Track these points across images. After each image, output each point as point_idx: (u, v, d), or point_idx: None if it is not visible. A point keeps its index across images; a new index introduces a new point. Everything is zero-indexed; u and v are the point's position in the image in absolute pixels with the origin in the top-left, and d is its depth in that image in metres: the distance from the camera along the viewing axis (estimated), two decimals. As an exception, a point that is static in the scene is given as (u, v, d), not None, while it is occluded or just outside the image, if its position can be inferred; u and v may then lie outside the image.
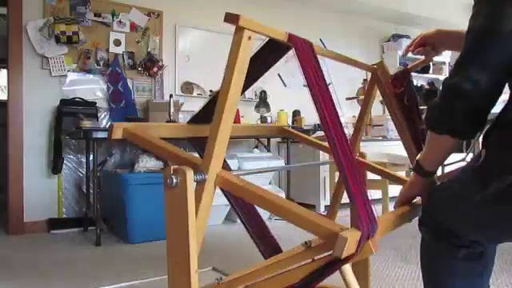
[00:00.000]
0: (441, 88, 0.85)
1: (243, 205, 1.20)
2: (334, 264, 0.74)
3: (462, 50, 0.83)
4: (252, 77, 0.99)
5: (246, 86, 0.94)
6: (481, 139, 0.93)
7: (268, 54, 1.00)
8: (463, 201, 0.87)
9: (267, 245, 1.22)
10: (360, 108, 1.47)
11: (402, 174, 3.33)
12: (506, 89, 0.87)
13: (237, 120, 3.77)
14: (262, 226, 1.23)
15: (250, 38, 0.82)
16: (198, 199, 0.76)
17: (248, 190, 0.78)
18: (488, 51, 0.79)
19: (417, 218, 1.02)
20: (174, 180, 0.73)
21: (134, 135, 0.96)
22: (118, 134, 0.97)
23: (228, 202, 1.18)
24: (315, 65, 0.91)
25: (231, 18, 0.80)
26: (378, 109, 5.03)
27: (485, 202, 0.82)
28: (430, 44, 1.24)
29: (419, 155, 0.98)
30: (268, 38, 0.92)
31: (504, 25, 0.77)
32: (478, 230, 0.89)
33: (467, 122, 0.83)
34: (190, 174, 0.73)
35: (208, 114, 1.11)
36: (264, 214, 3.50)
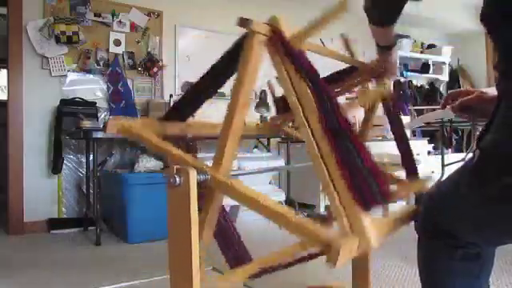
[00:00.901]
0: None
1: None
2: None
3: None
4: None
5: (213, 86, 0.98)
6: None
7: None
8: (461, 201, 0.87)
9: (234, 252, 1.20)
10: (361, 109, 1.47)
11: (402, 174, 3.33)
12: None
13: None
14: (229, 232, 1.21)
15: (261, 43, 0.83)
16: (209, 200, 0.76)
17: (244, 194, 0.76)
18: None
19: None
20: (177, 180, 0.74)
21: (129, 133, 0.96)
22: (113, 130, 0.97)
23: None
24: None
25: (244, 23, 0.81)
26: (378, 109, 5.02)
27: (482, 202, 0.81)
28: (468, 111, 1.10)
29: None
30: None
31: None
32: (477, 230, 0.89)
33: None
34: (193, 174, 0.73)
35: (183, 109, 1.10)
36: (264, 213, 3.51)
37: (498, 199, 0.79)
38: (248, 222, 3.35)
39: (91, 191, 3.09)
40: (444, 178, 1.00)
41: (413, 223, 1.05)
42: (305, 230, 0.70)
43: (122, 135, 0.99)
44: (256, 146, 4.03)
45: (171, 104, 3.28)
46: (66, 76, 3.32)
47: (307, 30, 0.89)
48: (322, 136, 0.78)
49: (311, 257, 0.87)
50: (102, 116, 3.43)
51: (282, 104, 1.38)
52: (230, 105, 0.83)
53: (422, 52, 5.58)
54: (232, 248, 1.19)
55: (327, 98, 0.81)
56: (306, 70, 0.83)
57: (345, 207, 0.75)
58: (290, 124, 1.48)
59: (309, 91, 0.81)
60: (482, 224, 0.86)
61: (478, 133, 3.34)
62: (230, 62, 0.97)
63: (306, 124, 0.80)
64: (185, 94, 1.11)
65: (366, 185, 0.75)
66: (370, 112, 1.35)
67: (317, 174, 0.78)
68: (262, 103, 4.01)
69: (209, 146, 2.40)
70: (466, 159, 0.92)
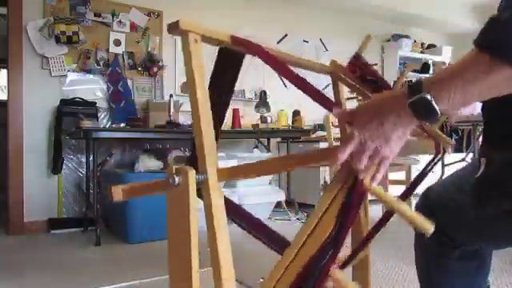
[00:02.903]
0: None
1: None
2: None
3: None
4: (222, 92, 0.91)
5: (221, 107, 0.89)
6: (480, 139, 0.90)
7: (225, 65, 0.92)
8: (460, 210, 0.86)
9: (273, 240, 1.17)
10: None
11: (401, 174, 3.34)
12: None
13: (236, 121, 3.78)
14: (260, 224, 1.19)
15: (196, 40, 0.80)
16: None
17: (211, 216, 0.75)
18: None
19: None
20: (176, 179, 0.73)
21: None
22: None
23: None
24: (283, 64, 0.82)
25: (173, 27, 0.78)
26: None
27: (482, 216, 0.81)
28: None
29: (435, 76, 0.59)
30: (218, 48, 0.86)
31: None
32: (476, 237, 0.89)
33: None
34: (191, 174, 0.73)
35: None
36: (264, 214, 3.51)
37: (499, 217, 0.78)
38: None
39: (91, 191, 3.09)
40: (444, 178, 1.00)
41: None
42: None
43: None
44: (256, 146, 4.03)
45: (171, 104, 3.28)
46: (65, 76, 3.32)
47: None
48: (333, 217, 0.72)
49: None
50: (102, 116, 3.43)
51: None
52: (191, 106, 0.79)
53: (422, 52, 5.58)
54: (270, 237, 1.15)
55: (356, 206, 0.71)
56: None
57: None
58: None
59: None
60: (483, 233, 0.86)
61: (478, 133, 3.35)
62: (222, 77, 0.91)
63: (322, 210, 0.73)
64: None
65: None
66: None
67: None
68: (262, 103, 4.01)
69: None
70: (467, 159, 0.91)
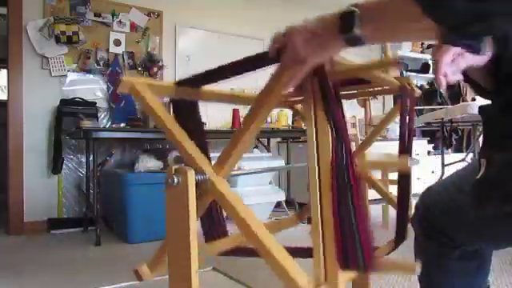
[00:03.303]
0: None
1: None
2: None
3: None
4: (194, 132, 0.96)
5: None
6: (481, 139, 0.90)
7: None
8: (460, 210, 0.86)
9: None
10: (364, 111, 1.46)
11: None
12: None
13: (236, 121, 3.78)
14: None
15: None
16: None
17: (233, 208, 0.76)
18: None
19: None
20: (175, 180, 0.73)
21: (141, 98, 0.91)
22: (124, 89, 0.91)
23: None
24: None
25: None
26: (377, 109, 5.03)
27: (482, 217, 0.80)
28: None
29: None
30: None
31: None
32: (476, 237, 0.89)
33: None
34: (191, 174, 0.73)
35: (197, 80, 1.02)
36: (264, 214, 3.50)
37: (499, 218, 0.78)
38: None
39: (91, 191, 3.09)
40: (444, 178, 1.00)
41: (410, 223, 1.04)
42: (285, 274, 0.69)
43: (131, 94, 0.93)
44: (256, 146, 4.03)
45: (171, 104, 3.27)
46: (65, 76, 3.32)
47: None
48: (328, 190, 0.77)
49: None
50: (102, 116, 3.43)
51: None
52: (246, 117, 0.81)
53: (422, 52, 5.58)
54: (212, 224, 1.19)
55: (346, 150, 0.77)
56: (335, 117, 0.79)
57: (326, 259, 0.76)
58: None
59: (330, 136, 0.78)
60: (483, 233, 0.85)
61: (478, 133, 3.34)
62: (255, 63, 0.91)
63: (317, 173, 0.79)
64: (204, 72, 1.02)
65: (354, 249, 0.76)
66: (368, 110, 1.34)
67: (312, 213, 0.78)
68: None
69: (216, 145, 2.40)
70: (467, 159, 0.90)
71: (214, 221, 1.18)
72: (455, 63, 0.81)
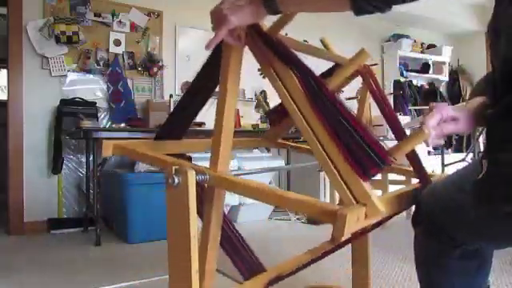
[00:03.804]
0: None
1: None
2: None
3: None
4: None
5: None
6: (481, 139, 0.90)
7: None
8: (460, 209, 0.86)
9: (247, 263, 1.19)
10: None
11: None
12: None
13: (236, 120, 3.78)
14: (238, 244, 1.20)
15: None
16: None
17: (248, 185, 0.77)
18: None
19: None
20: (176, 180, 0.73)
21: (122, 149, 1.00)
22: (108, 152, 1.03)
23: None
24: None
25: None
26: (378, 109, 5.02)
27: (482, 216, 0.80)
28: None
29: None
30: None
31: None
32: (476, 236, 0.89)
33: None
34: (191, 174, 0.73)
35: (173, 128, 1.11)
36: (265, 214, 3.51)
37: (500, 218, 0.78)
38: (248, 222, 3.35)
39: (91, 191, 3.09)
40: (445, 178, 1.00)
41: (410, 222, 1.04)
42: (311, 205, 0.72)
43: (116, 154, 1.06)
44: (256, 147, 4.03)
45: (171, 104, 3.27)
46: (66, 76, 3.32)
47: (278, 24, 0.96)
48: (313, 117, 0.80)
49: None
50: (102, 116, 3.43)
51: (276, 116, 1.38)
52: (217, 107, 0.83)
53: (422, 52, 5.58)
54: (243, 259, 1.18)
55: (313, 80, 0.83)
56: (286, 56, 0.86)
57: (346, 181, 0.75)
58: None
59: (295, 78, 0.84)
60: (483, 233, 0.85)
61: (478, 133, 3.34)
62: (211, 70, 0.99)
63: (297, 110, 0.82)
64: (173, 110, 1.14)
65: (362, 152, 0.75)
66: (362, 105, 1.36)
67: (315, 155, 0.80)
68: (261, 103, 4.01)
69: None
70: (467, 159, 0.91)
71: (245, 258, 1.18)
72: (439, 127, 0.87)
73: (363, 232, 0.92)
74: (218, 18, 0.85)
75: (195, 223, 0.75)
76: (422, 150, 4.48)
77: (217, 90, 1.01)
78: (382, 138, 4.32)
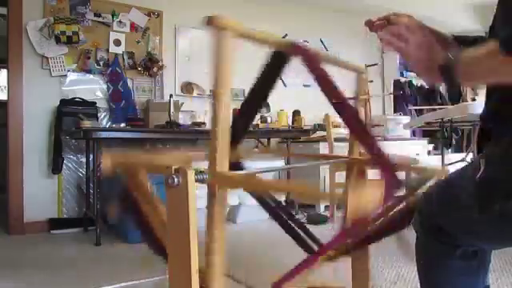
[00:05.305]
0: None
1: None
2: None
3: None
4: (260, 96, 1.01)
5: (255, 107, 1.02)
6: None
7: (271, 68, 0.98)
8: (460, 209, 0.86)
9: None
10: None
11: (401, 174, 3.33)
12: None
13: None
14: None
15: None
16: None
17: (259, 182, 0.77)
18: None
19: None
20: (176, 180, 0.73)
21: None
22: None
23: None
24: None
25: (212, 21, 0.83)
26: (378, 109, 5.03)
27: (482, 216, 0.80)
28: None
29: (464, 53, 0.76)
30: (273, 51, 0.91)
31: None
32: (476, 237, 0.89)
33: None
34: (191, 174, 0.73)
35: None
36: (265, 214, 3.50)
37: (502, 218, 0.77)
38: (248, 222, 3.35)
39: (91, 191, 3.09)
40: (445, 178, 1.00)
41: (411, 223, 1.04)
42: (316, 194, 0.73)
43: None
44: (256, 146, 4.03)
45: (171, 104, 3.27)
46: (66, 76, 3.32)
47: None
48: None
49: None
50: (102, 116, 3.43)
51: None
52: (212, 105, 0.82)
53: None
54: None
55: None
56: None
57: None
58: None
59: None
60: (483, 232, 0.85)
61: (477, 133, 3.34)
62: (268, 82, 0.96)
63: None
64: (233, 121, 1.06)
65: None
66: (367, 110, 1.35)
67: None
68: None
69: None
70: (467, 159, 0.91)
71: None
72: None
73: (364, 243, 0.92)
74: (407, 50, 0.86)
75: (195, 223, 0.75)
76: (421, 149, 4.49)
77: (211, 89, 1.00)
78: (381, 137, 4.33)
